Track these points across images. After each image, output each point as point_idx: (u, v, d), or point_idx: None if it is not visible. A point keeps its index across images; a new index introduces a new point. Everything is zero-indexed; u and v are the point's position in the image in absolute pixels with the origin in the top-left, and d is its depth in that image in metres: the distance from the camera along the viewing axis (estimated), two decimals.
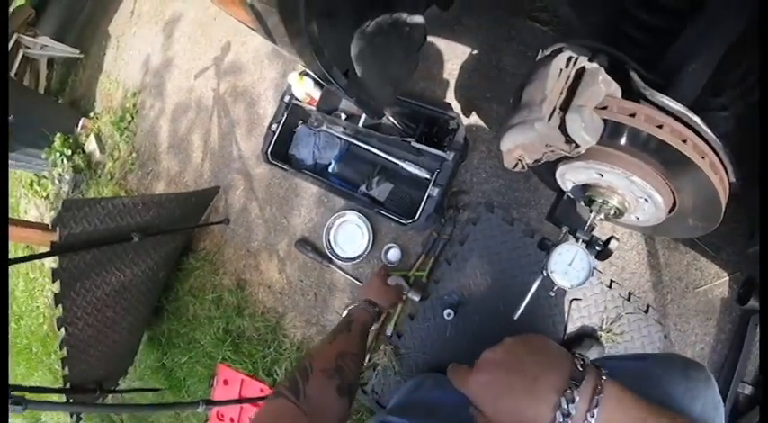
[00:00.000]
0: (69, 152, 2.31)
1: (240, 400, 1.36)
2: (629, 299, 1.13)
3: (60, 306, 1.18)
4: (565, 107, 0.63)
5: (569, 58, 0.66)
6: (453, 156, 1.21)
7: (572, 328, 1.18)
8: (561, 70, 0.65)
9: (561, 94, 0.65)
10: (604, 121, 0.64)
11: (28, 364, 2.57)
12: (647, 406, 0.36)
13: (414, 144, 1.23)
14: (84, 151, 2.34)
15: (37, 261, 2.65)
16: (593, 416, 0.34)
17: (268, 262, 1.57)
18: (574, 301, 1.19)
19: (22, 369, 2.58)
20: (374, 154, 1.37)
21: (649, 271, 1.11)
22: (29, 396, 0.87)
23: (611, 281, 1.16)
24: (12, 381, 2.62)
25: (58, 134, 2.34)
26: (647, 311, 1.11)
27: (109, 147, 2.18)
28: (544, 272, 0.79)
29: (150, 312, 1.72)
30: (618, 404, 0.36)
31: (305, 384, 0.60)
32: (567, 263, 0.77)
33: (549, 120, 0.63)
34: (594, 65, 0.64)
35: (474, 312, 1.26)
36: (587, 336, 1.16)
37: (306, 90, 1.37)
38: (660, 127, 0.60)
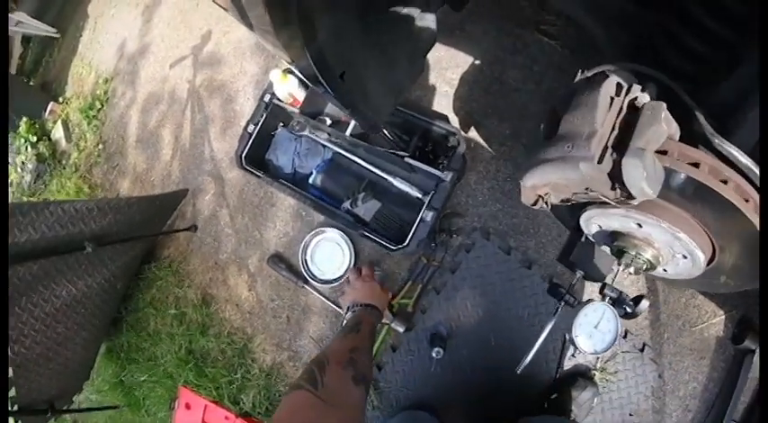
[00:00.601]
0: (35, 139, 2.19)
1: None
2: (625, 337, 1.10)
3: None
4: (618, 146, 0.52)
5: (619, 86, 0.55)
6: (451, 177, 1.10)
7: (566, 366, 1.13)
8: (612, 99, 0.54)
9: (614, 129, 0.53)
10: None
11: None
12: None
13: (407, 160, 1.12)
14: (50, 139, 2.20)
15: None
16: None
17: (237, 277, 1.44)
18: (573, 354, 1.13)
19: None
20: (361, 166, 1.25)
21: (647, 308, 1.05)
22: None
23: None
24: None
25: (25, 118, 2.22)
26: (642, 350, 1.08)
27: (76, 135, 2.03)
28: (567, 335, 0.73)
29: (107, 325, 1.60)
30: None
31: (322, 376, 0.63)
32: (593, 325, 0.70)
33: (600, 161, 0.52)
34: (648, 97, 0.53)
35: (462, 346, 1.18)
36: (581, 375, 1.12)
37: (289, 90, 1.24)
38: (725, 182, 0.52)
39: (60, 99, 2.20)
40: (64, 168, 2.02)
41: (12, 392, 1.21)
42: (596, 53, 0.74)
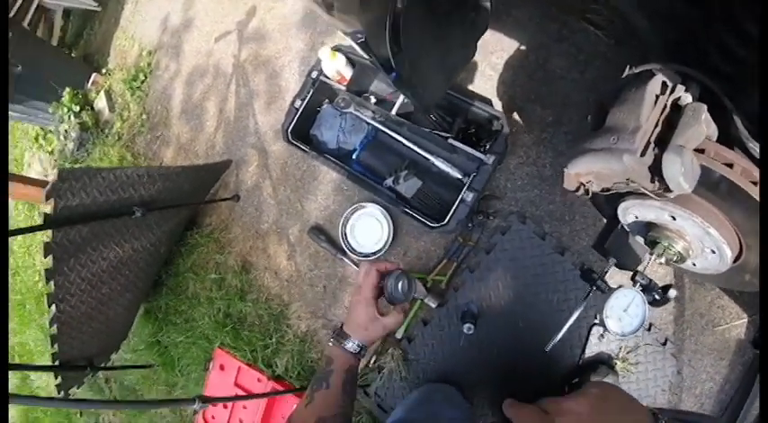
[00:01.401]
0: (78, 108, 2.25)
1: (238, 398, 1.30)
2: (649, 330, 1.11)
3: (52, 282, 1.11)
4: (660, 143, 0.56)
5: (664, 85, 0.59)
6: (493, 160, 1.12)
7: (588, 353, 1.15)
8: (657, 97, 0.58)
9: (657, 126, 0.57)
10: None
11: (20, 320, 2.54)
12: None
13: (450, 141, 1.14)
14: (92, 108, 2.26)
15: (36, 213, 2.59)
16: None
17: (277, 246, 1.48)
18: (594, 327, 1.15)
19: (13, 325, 2.55)
20: (404, 145, 1.27)
21: (673, 304, 1.09)
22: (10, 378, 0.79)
23: None
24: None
25: (68, 88, 2.28)
26: (664, 344, 1.10)
27: (119, 106, 2.08)
28: (597, 316, 0.75)
29: (149, 288, 1.66)
30: None
31: None
32: (623, 308, 0.74)
33: (642, 155, 0.56)
34: (690, 97, 0.57)
35: (491, 326, 1.21)
36: (602, 363, 1.13)
37: (337, 67, 1.27)
38: (755, 184, 0.55)
39: (103, 70, 2.25)
40: (107, 137, 2.07)
41: (54, 349, 1.26)
42: (640, 45, 0.75)
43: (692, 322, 1.06)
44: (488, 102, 1.21)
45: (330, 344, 0.65)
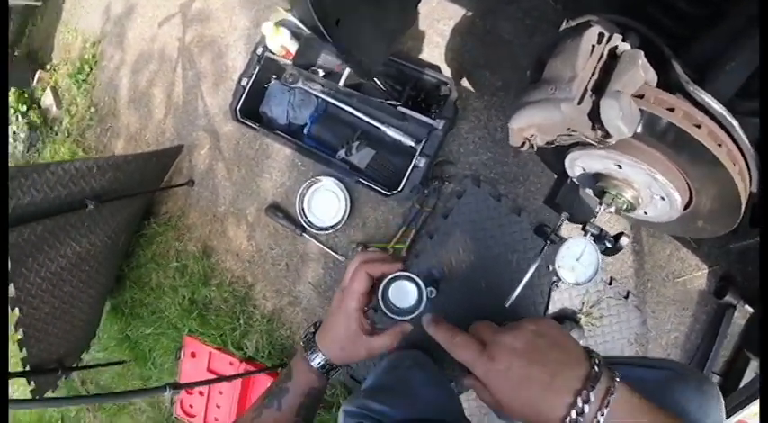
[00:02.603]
0: (24, 108, 2.16)
1: (209, 381, 1.29)
2: (610, 283, 1.13)
3: (12, 285, 1.09)
4: (597, 90, 0.56)
5: (601, 35, 0.58)
6: (443, 124, 1.13)
7: (552, 309, 1.17)
8: (593, 47, 0.58)
9: (593, 74, 0.57)
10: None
11: None
12: (655, 410, 0.37)
13: (400, 109, 1.14)
14: (40, 106, 2.17)
15: None
16: (602, 414, 0.35)
17: (236, 228, 1.47)
18: (555, 283, 1.18)
19: None
20: (355, 116, 1.27)
21: (632, 257, 1.11)
22: None
23: None
24: None
25: (13, 89, 2.17)
26: (627, 297, 1.11)
27: (66, 101, 2.00)
28: (549, 266, 0.75)
29: (112, 282, 1.62)
30: (627, 406, 0.37)
31: None
32: (575, 258, 0.74)
33: (580, 102, 0.56)
34: (629, 46, 0.57)
35: (455, 289, 1.23)
36: (567, 318, 1.15)
37: (281, 42, 1.25)
38: (698, 127, 0.55)
39: (48, 67, 2.16)
40: (56, 134, 2.00)
41: (23, 353, 1.22)
42: (587, 9, 0.76)
43: (653, 274, 1.08)
44: (437, 69, 1.22)
45: (301, 345, 0.52)
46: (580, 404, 0.35)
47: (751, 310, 1.00)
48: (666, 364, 0.59)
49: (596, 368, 0.37)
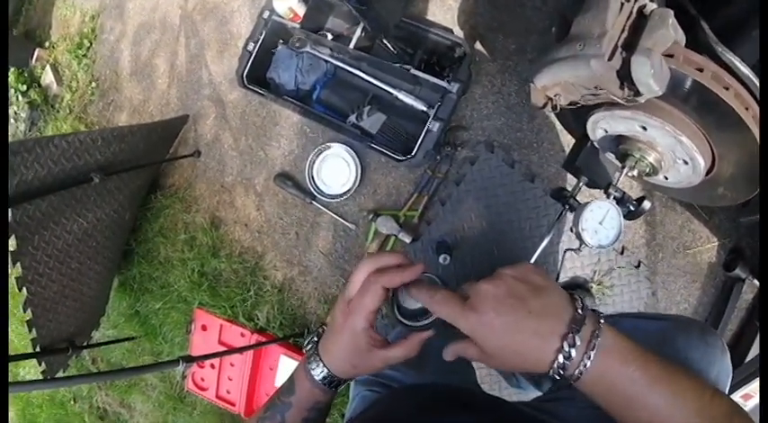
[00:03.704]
0: (24, 87, 2.13)
1: (221, 353, 1.30)
2: (622, 253, 1.12)
3: (19, 264, 1.07)
4: (627, 47, 0.55)
5: None
6: (457, 88, 1.11)
7: (563, 277, 1.17)
8: (622, 4, 0.56)
9: (623, 31, 0.56)
10: None
11: None
12: (646, 352, 0.36)
13: (413, 72, 1.12)
14: (40, 85, 2.14)
15: None
16: (589, 358, 0.35)
17: (244, 198, 1.45)
18: (568, 252, 1.18)
19: None
20: (365, 81, 1.23)
21: (644, 227, 1.10)
22: None
23: None
24: None
25: (12, 69, 2.15)
26: (638, 267, 1.11)
27: (66, 77, 1.97)
28: (572, 229, 0.75)
29: (119, 257, 1.61)
30: (615, 348, 0.36)
31: None
32: (598, 221, 0.73)
33: (610, 59, 0.55)
34: (656, 5, 0.56)
35: (467, 256, 1.21)
36: (578, 286, 1.15)
37: (289, 4, 1.22)
38: (726, 89, 0.55)
39: (46, 44, 2.12)
40: (58, 112, 1.97)
41: (32, 334, 1.21)
42: None
43: (664, 245, 1.08)
44: (450, 31, 1.18)
45: (305, 351, 0.47)
46: (566, 348, 0.35)
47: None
48: (669, 316, 0.59)
49: (580, 311, 0.37)
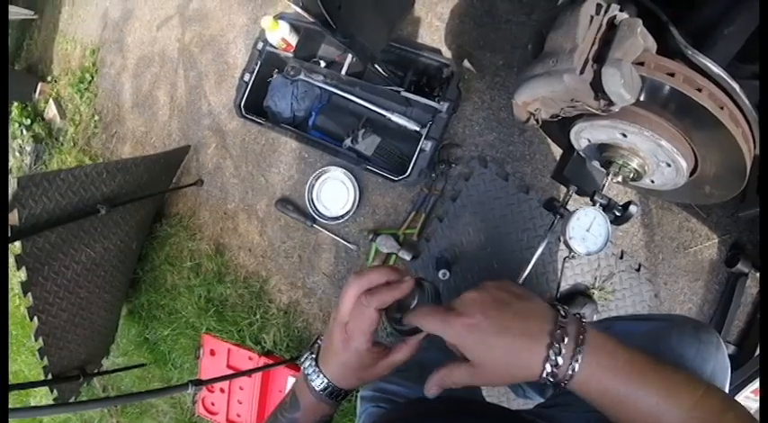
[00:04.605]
0: (28, 121, 2.18)
1: (229, 376, 1.31)
2: (621, 257, 1.13)
3: (30, 294, 1.10)
4: (598, 59, 0.57)
5: (599, 5, 0.59)
6: (447, 107, 1.13)
7: (565, 285, 1.17)
8: (592, 17, 0.59)
9: (593, 44, 0.58)
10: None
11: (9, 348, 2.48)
12: (634, 351, 0.36)
13: (403, 94, 1.15)
14: (43, 118, 2.19)
15: None
16: (579, 353, 0.35)
17: (247, 224, 1.48)
18: (567, 259, 1.18)
19: None
20: (359, 105, 1.27)
21: (642, 230, 1.11)
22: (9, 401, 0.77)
23: None
24: None
25: (15, 103, 2.20)
26: (638, 270, 1.11)
27: (70, 111, 2.02)
28: (560, 238, 0.77)
29: (127, 286, 1.64)
30: (602, 350, 0.36)
31: None
32: (585, 228, 0.74)
33: (581, 72, 0.57)
34: (627, 15, 0.58)
35: (467, 271, 1.23)
36: (580, 293, 1.16)
37: (281, 35, 1.25)
38: (699, 90, 0.56)
39: (49, 78, 2.17)
40: (62, 145, 2.02)
41: (44, 362, 1.24)
42: None
43: (663, 246, 1.08)
44: (438, 52, 1.22)
45: (303, 367, 0.46)
46: (556, 344, 0.35)
47: None
48: (663, 316, 0.58)
49: (563, 313, 0.38)
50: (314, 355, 0.46)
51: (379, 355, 0.44)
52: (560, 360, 0.35)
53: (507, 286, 0.40)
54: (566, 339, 0.35)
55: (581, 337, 0.36)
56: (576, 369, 0.35)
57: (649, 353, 0.37)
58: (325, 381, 0.44)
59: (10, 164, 2.37)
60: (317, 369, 0.45)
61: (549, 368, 0.35)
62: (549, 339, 0.36)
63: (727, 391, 0.49)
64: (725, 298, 1.03)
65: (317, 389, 0.45)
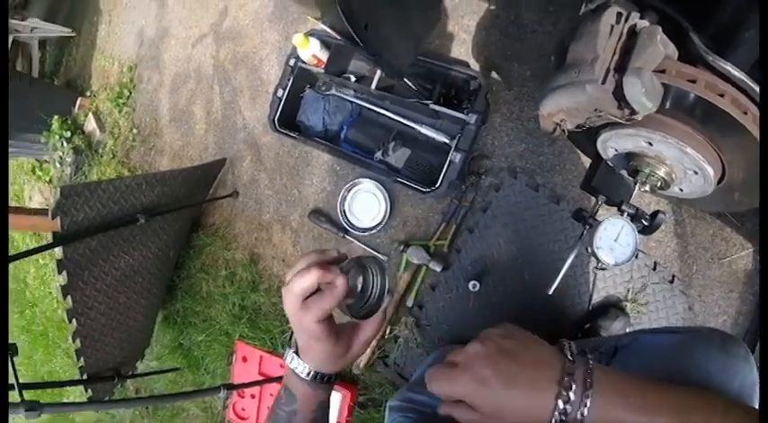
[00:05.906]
0: (69, 134, 2.27)
1: (261, 381, 1.34)
2: (654, 269, 1.10)
3: (69, 298, 1.15)
4: (619, 69, 0.57)
5: (619, 14, 0.59)
6: (476, 118, 1.14)
7: (597, 298, 1.15)
8: (612, 27, 0.59)
9: (614, 53, 0.58)
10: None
11: (45, 349, 2.60)
12: (643, 380, 0.37)
13: (432, 106, 1.16)
14: (83, 131, 2.29)
15: (44, 242, 2.63)
16: (588, 397, 0.36)
17: (281, 234, 1.52)
18: (599, 271, 1.16)
19: (40, 355, 2.61)
20: (389, 118, 1.30)
21: (675, 240, 1.09)
22: (44, 399, 0.82)
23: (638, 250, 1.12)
24: (31, 368, 2.66)
25: (56, 116, 2.30)
26: (672, 282, 1.09)
27: (108, 124, 2.12)
28: (588, 248, 0.75)
29: (163, 292, 1.70)
30: (610, 384, 0.36)
31: None
32: (613, 238, 0.73)
33: (603, 82, 0.57)
34: (647, 23, 0.58)
35: (498, 282, 1.23)
36: (613, 306, 1.14)
37: (312, 52, 1.29)
38: (722, 96, 0.56)
39: (87, 93, 2.28)
40: (102, 157, 2.11)
41: (80, 362, 1.29)
42: None
43: (697, 257, 1.06)
44: (465, 64, 1.23)
45: (288, 362, 0.47)
46: (564, 393, 0.36)
47: None
48: (690, 328, 0.57)
49: (570, 356, 0.38)
50: (294, 350, 0.48)
51: (349, 338, 0.46)
52: (569, 408, 0.36)
53: (512, 332, 0.41)
54: (573, 386, 0.36)
55: (588, 380, 0.36)
56: (586, 413, 0.35)
57: (663, 380, 0.37)
58: (311, 369, 0.46)
59: (50, 174, 2.50)
60: (300, 361, 0.46)
61: (559, 413, 0.36)
62: (557, 388, 0.36)
63: (756, 405, 0.46)
64: (761, 308, 0.99)
65: (306, 378, 0.47)
